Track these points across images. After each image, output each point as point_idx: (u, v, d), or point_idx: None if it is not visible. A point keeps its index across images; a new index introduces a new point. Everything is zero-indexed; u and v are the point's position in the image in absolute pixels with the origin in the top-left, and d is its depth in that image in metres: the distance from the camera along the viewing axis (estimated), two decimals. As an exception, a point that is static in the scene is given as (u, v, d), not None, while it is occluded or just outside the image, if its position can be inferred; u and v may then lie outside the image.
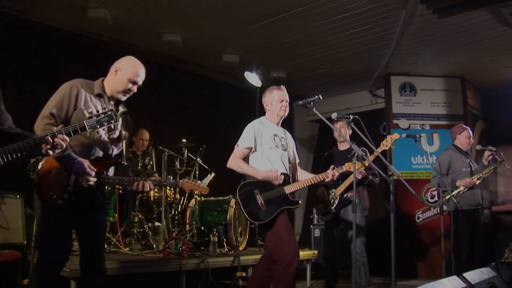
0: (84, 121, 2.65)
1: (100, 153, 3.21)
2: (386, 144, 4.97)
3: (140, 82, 3.36)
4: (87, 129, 2.65)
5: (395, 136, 5.04)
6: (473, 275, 3.63)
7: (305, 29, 6.62)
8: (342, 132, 5.52)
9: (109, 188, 5.80)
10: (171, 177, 4.17)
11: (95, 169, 3.05)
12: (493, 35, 6.65)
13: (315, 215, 5.78)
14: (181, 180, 3.45)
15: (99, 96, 3.27)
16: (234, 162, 4.08)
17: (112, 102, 3.32)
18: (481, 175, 5.61)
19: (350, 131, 5.63)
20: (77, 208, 3.10)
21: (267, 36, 6.93)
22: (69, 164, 2.98)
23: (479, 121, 8.92)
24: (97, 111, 2.73)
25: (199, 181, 3.54)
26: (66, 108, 3.09)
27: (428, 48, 7.25)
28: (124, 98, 3.37)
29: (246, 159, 4.14)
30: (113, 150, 3.32)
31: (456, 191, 5.51)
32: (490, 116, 9.30)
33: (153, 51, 7.51)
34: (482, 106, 9.15)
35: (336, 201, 5.47)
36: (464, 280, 3.45)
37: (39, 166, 3.01)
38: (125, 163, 3.43)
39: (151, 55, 7.59)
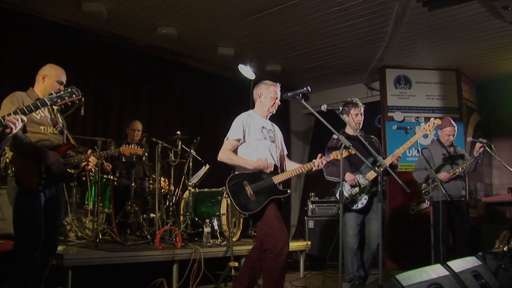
0: (44, 97, 3.05)
1: (56, 143, 3.81)
2: (428, 129, 5.05)
3: (64, 81, 3.90)
4: (48, 103, 3.03)
5: (437, 121, 5.10)
6: (457, 264, 3.68)
7: (299, 22, 6.66)
8: (357, 119, 5.32)
9: (104, 181, 5.89)
10: (113, 147, 4.54)
11: (61, 161, 3.67)
12: (486, 28, 6.68)
13: (344, 197, 5.14)
14: (120, 148, 4.35)
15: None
16: (224, 155, 4.12)
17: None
18: (458, 169, 5.67)
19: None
20: (50, 191, 3.72)
21: (262, 29, 6.97)
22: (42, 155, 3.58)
23: (474, 114, 8.96)
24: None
25: (133, 145, 4.44)
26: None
27: (422, 41, 7.27)
28: None
29: (235, 151, 4.18)
30: (63, 138, 3.95)
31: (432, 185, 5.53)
32: (485, 108, 9.33)
33: (148, 44, 7.55)
34: (477, 99, 9.16)
35: (368, 188, 5.15)
36: (448, 268, 3.50)
37: (13, 163, 3.55)
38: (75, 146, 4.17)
39: (147, 48, 7.65)
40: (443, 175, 5.62)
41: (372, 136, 5.42)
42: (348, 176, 5.10)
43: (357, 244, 5.21)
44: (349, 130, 5.40)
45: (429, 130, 5.09)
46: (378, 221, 5.04)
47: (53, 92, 3.12)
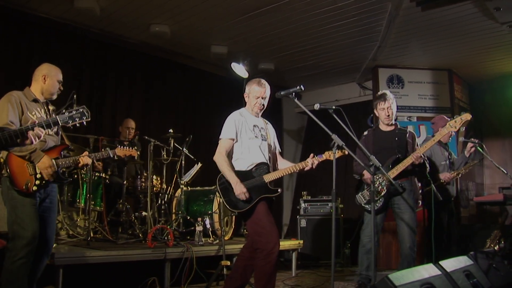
0: (57, 116, 3.15)
1: (52, 143, 3.79)
2: (454, 125, 4.65)
3: (62, 80, 3.92)
4: (60, 124, 3.14)
5: (467, 116, 4.65)
6: (449, 263, 3.70)
7: (293, 21, 6.66)
8: (389, 112, 5.07)
9: (95, 179, 5.86)
10: (108, 149, 4.52)
11: (55, 168, 3.65)
12: (479, 28, 6.72)
13: (361, 202, 5.06)
14: (115, 150, 4.49)
15: (35, 101, 3.78)
16: (219, 159, 4.05)
17: (44, 105, 3.87)
18: (461, 171, 5.67)
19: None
20: (45, 191, 3.72)
21: (255, 28, 6.96)
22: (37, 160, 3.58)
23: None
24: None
25: (127, 147, 4.71)
26: (17, 115, 3.55)
27: (415, 41, 7.30)
28: (55, 97, 3.94)
29: (230, 150, 4.14)
30: (58, 140, 3.93)
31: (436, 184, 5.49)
32: (477, 108, 9.36)
33: (141, 42, 7.52)
34: (469, 99, 9.21)
35: (385, 188, 4.88)
36: (440, 267, 3.52)
37: (7, 164, 3.54)
38: (70, 147, 4.25)
39: (140, 46, 7.62)
40: (445, 176, 5.59)
41: (407, 129, 5.23)
42: (366, 174, 4.94)
43: (370, 245, 4.98)
44: (382, 126, 5.21)
45: (456, 127, 4.68)
46: (404, 222, 4.91)
47: (64, 111, 3.21)
